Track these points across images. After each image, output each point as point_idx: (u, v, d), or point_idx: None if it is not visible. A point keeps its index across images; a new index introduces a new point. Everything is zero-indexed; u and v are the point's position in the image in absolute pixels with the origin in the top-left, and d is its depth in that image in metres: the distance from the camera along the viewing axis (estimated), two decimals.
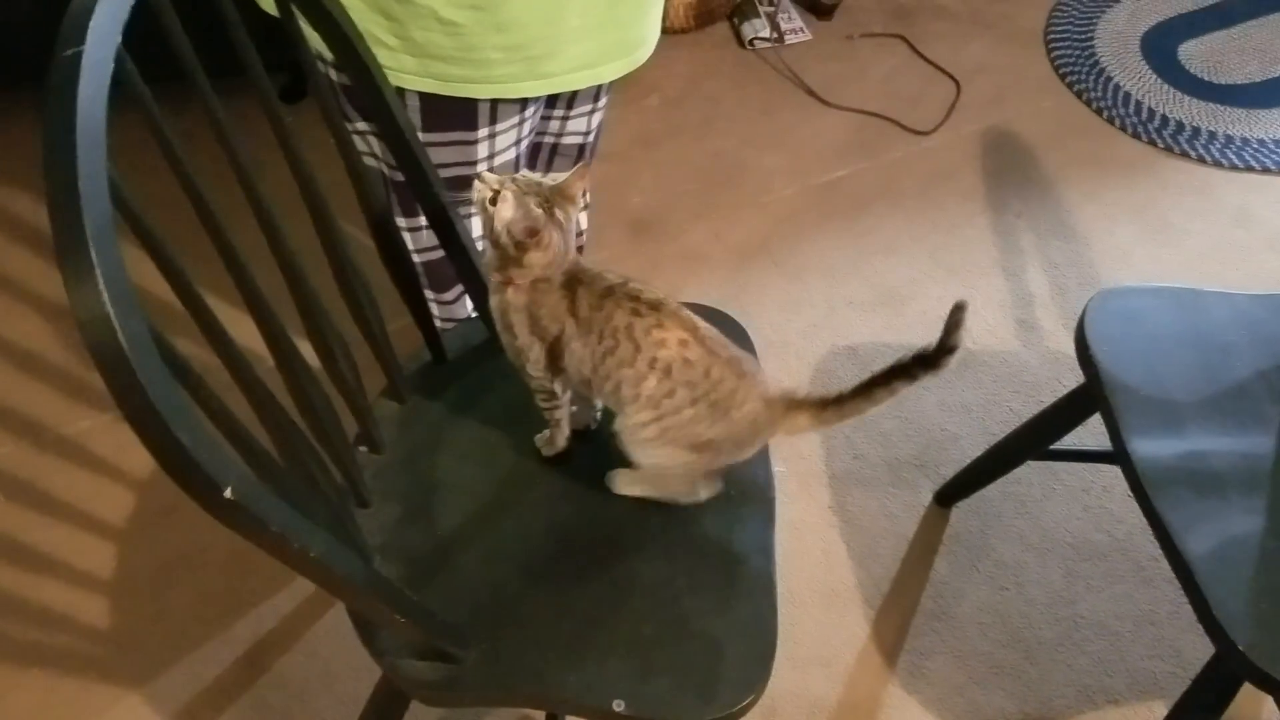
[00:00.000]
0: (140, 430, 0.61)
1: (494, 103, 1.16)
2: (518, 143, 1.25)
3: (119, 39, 0.70)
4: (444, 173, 1.22)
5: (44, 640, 1.55)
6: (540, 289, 0.98)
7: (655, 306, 0.96)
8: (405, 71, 1.10)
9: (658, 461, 1.01)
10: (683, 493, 1.05)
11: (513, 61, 1.10)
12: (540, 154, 1.42)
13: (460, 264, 1.18)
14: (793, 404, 0.99)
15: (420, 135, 1.18)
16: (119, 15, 0.71)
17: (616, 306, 0.96)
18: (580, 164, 0.97)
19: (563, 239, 0.97)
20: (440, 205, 1.11)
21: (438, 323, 1.43)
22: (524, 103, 1.20)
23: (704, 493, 1.05)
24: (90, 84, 0.65)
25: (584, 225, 1.72)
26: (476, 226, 1.32)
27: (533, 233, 0.94)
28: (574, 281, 0.98)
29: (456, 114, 1.16)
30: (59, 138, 0.62)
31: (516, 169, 1.30)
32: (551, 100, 1.32)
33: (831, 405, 0.98)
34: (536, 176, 0.98)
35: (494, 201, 0.95)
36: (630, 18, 1.18)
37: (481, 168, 1.24)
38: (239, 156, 0.89)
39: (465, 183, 1.24)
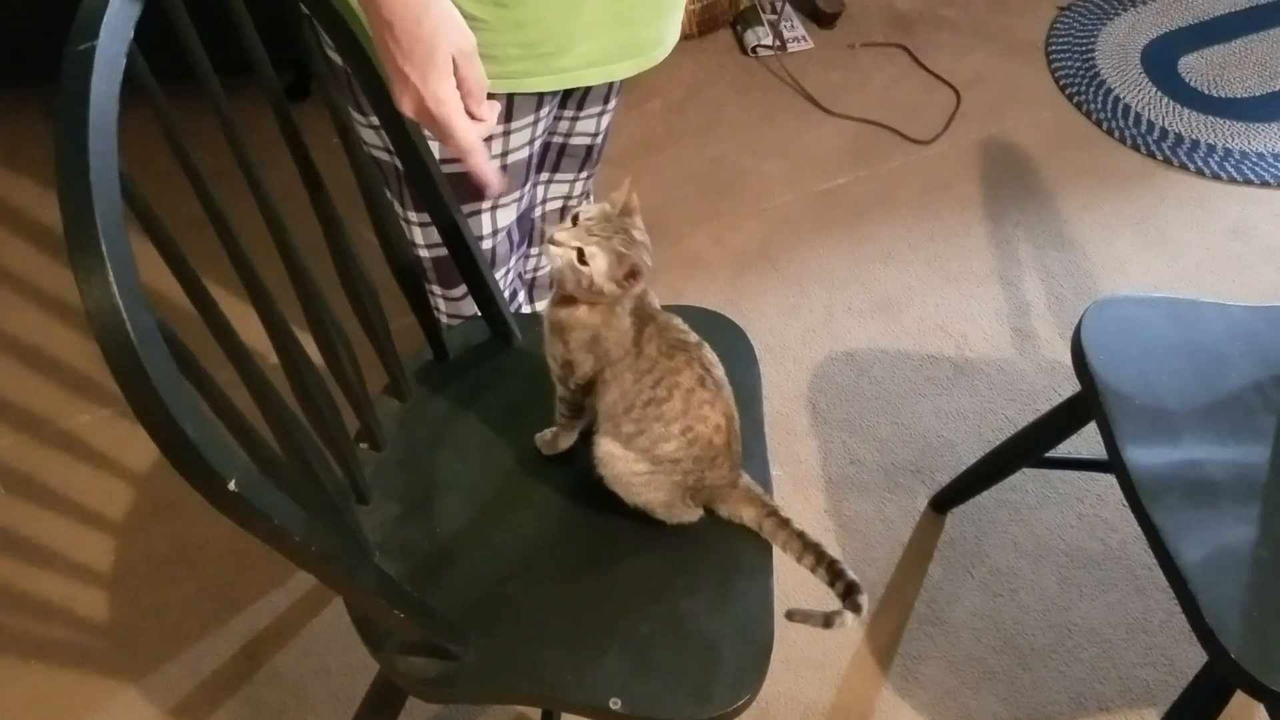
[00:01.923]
0: (146, 422, 0.61)
1: (510, 99, 1.17)
2: (531, 142, 1.26)
3: (131, 34, 0.71)
4: (457, 167, 1.23)
5: (42, 633, 1.56)
6: (615, 312, 0.98)
7: (719, 385, 0.99)
8: None
9: (631, 499, 1.04)
10: (661, 513, 1.06)
11: (528, 58, 1.11)
12: (549, 154, 1.42)
13: (463, 261, 1.18)
14: (745, 498, 1.05)
15: None
16: (132, 11, 0.72)
17: (687, 365, 0.97)
18: (627, 179, 0.98)
19: (648, 257, 0.98)
20: (441, 201, 1.12)
21: (443, 319, 1.43)
22: (539, 100, 1.21)
23: (686, 517, 1.06)
24: (103, 79, 0.66)
25: None
26: (486, 223, 1.33)
27: (635, 272, 0.94)
28: (644, 316, 0.99)
29: None
30: (71, 131, 0.63)
31: (528, 169, 1.31)
32: (563, 100, 1.33)
33: (776, 518, 1.03)
34: (595, 209, 0.97)
35: (582, 259, 0.93)
36: (644, 17, 1.19)
37: (495, 164, 1.25)
38: (245, 152, 0.90)
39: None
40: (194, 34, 0.84)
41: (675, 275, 2.12)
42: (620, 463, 1.01)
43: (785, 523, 1.03)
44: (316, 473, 0.91)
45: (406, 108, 0.91)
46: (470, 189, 1.26)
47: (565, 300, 0.99)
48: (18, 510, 1.70)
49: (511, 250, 1.42)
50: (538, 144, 1.28)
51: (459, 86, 0.91)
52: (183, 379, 0.64)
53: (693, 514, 1.05)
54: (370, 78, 1.04)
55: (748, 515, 1.04)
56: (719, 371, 1.00)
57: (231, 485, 0.64)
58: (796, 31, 2.73)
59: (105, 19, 0.68)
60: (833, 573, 0.99)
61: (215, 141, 0.88)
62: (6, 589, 1.60)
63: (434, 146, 1.19)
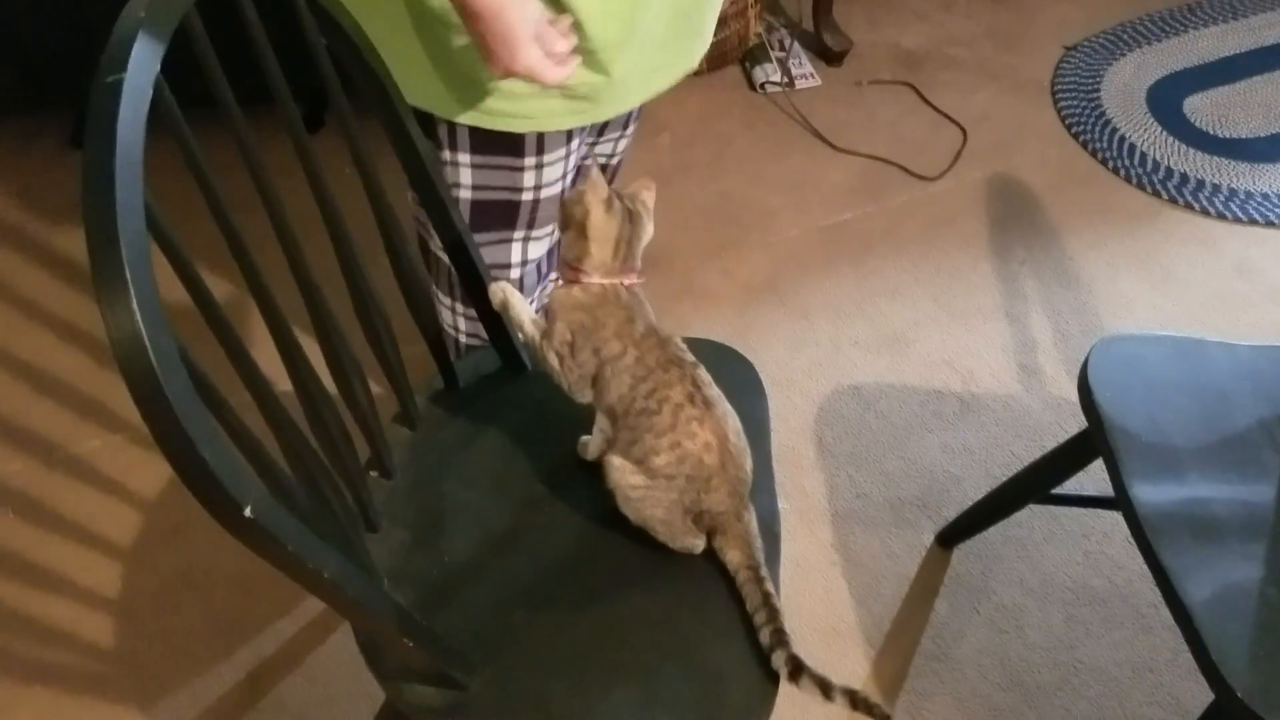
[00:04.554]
0: (165, 447, 0.62)
1: (540, 135, 1.20)
2: (564, 176, 1.29)
3: (158, 68, 0.73)
4: (491, 195, 1.25)
5: (48, 658, 1.56)
6: (609, 301, 1.02)
7: (708, 404, 1.00)
8: (454, 102, 1.14)
9: (632, 515, 1.04)
10: (663, 533, 1.06)
11: (552, 98, 1.14)
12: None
13: (474, 288, 1.19)
14: (740, 540, 1.03)
15: (471, 157, 1.21)
16: (159, 44, 0.73)
17: (679, 380, 1.00)
18: (651, 183, 1.07)
19: (623, 212, 1.02)
20: (456, 232, 1.14)
21: (462, 339, 1.44)
22: (569, 135, 1.23)
23: (688, 542, 1.05)
24: (130, 110, 0.67)
25: None
26: (516, 253, 1.36)
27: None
28: (648, 327, 1.02)
29: (503, 142, 1.20)
30: (99, 162, 0.64)
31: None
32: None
33: (753, 572, 1.02)
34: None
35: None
36: (667, 64, 1.22)
37: (528, 196, 1.27)
38: (266, 183, 0.92)
39: (509, 208, 1.28)
40: (218, 68, 0.86)
41: (683, 307, 2.13)
42: (618, 472, 1.02)
43: (760, 580, 1.01)
44: (328, 499, 0.92)
45: (498, 72, 1.02)
46: (502, 218, 1.28)
47: (565, 285, 1.04)
48: (27, 534, 1.70)
49: (539, 280, 1.44)
50: (570, 178, 1.30)
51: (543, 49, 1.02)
52: (202, 406, 0.65)
53: (696, 541, 1.05)
54: (384, 116, 1.06)
55: (732, 558, 1.03)
56: (710, 391, 1.01)
57: (247, 511, 0.65)
58: (805, 69, 2.75)
59: (134, 51, 0.69)
60: (777, 639, 0.97)
61: (230, 166, 0.89)
62: (14, 613, 1.61)
63: (480, 174, 1.20)
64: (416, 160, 1.09)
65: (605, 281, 1.03)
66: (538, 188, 1.26)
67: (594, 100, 1.16)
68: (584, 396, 1.05)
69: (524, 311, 1.09)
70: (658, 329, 1.03)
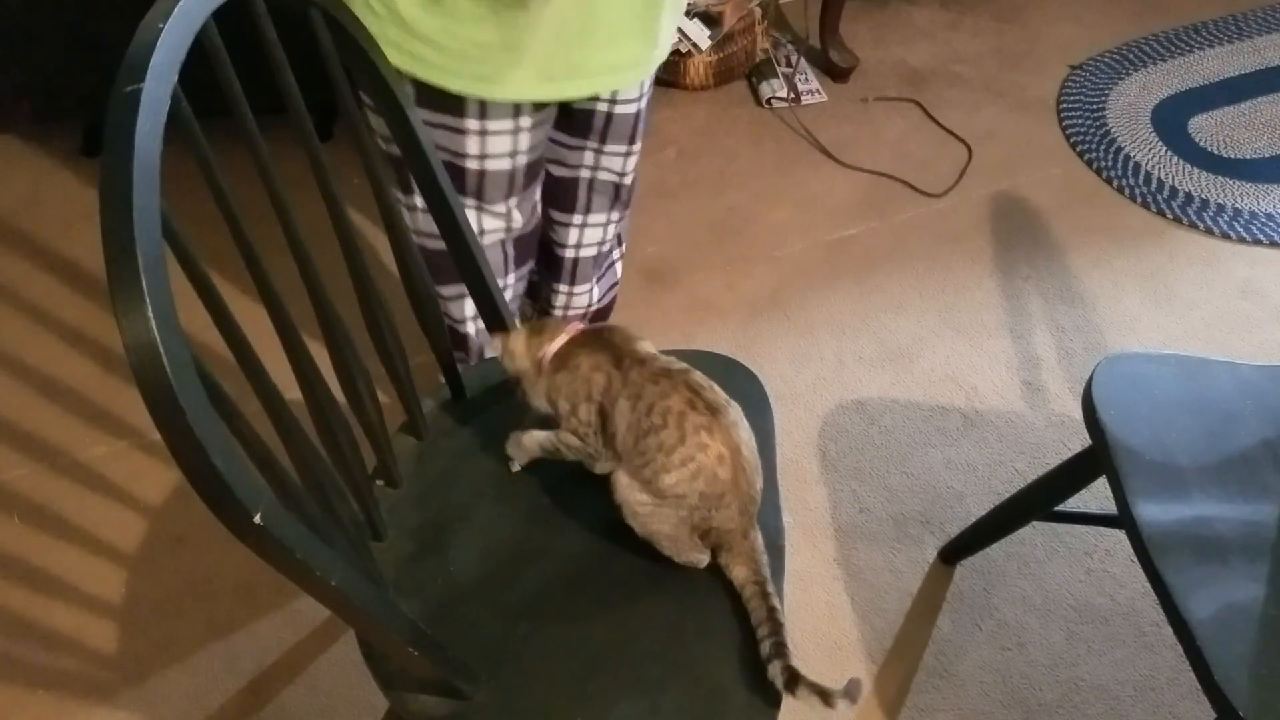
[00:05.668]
0: (178, 454, 0.63)
1: (482, 100, 1.20)
2: (513, 155, 1.28)
3: (175, 78, 0.74)
4: (439, 155, 1.25)
5: (51, 663, 1.56)
6: (576, 349, 1.05)
7: (713, 409, 0.99)
8: (388, 44, 1.14)
9: (639, 528, 1.04)
10: (668, 548, 1.06)
11: (485, 61, 1.15)
12: (579, 188, 1.45)
13: (460, 256, 1.20)
14: (746, 556, 1.03)
15: (421, 113, 1.22)
16: (177, 55, 0.74)
17: (674, 389, 0.99)
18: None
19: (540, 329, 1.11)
20: (440, 191, 1.14)
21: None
22: (516, 109, 1.23)
23: (693, 556, 1.06)
24: (148, 120, 0.68)
25: (618, 275, 1.77)
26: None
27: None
28: (619, 354, 1.04)
29: (445, 100, 1.21)
30: (116, 170, 0.65)
31: (511, 184, 1.34)
32: (584, 131, 1.36)
33: (760, 588, 1.02)
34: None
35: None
36: (598, 42, 1.22)
37: (472, 164, 1.27)
38: (278, 191, 0.92)
39: (455, 171, 1.28)
40: (235, 80, 0.87)
41: (687, 321, 2.14)
42: (626, 489, 1.02)
43: (766, 595, 1.01)
44: (335, 508, 0.92)
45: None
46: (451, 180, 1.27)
47: (543, 377, 1.09)
48: (31, 540, 1.71)
49: (504, 262, 1.44)
50: (523, 160, 1.30)
51: None
52: (214, 414, 0.66)
53: (701, 556, 1.05)
54: (358, 67, 1.06)
55: (738, 574, 1.03)
56: (712, 395, 1.00)
57: (257, 518, 0.66)
58: (811, 84, 2.77)
59: (152, 62, 0.70)
60: (776, 651, 0.97)
61: (242, 176, 0.90)
62: (18, 618, 1.61)
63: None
64: (420, 155, 1.10)
65: (560, 340, 1.07)
66: (482, 157, 1.26)
67: (530, 74, 1.17)
68: (608, 454, 1.05)
69: (534, 438, 1.11)
70: (630, 352, 1.04)
